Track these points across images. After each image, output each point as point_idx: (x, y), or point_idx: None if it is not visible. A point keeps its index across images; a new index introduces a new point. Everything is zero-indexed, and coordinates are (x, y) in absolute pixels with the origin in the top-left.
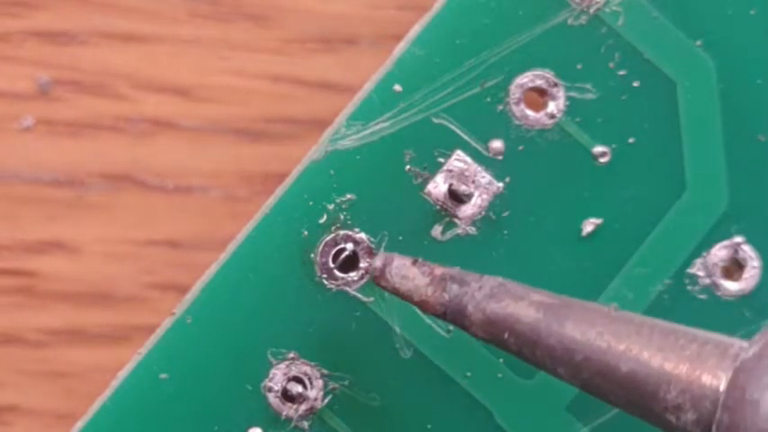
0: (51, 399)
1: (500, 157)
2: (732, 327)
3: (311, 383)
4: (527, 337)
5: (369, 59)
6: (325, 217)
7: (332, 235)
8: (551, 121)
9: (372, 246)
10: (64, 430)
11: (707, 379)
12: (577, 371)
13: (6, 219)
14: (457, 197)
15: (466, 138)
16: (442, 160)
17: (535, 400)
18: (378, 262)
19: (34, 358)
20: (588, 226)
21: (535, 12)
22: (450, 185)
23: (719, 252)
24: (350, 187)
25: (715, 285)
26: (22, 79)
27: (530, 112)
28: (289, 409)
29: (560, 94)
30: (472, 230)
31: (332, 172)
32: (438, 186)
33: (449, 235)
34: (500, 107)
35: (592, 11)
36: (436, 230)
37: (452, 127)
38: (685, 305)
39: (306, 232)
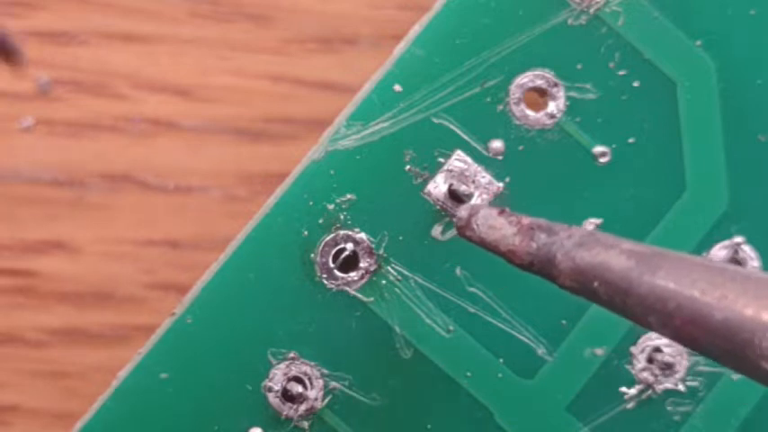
0: (51, 399)
1: (500, 157)
2: None
3: (311, 383)
4: (618, 286)
5: (369, 59)
6: (325, 217)
7: (332, 235)
8: (551, 121)
9: (372, 246)
10: (64, 430)
11: None
12: (669, 319)
13: (6, 219)
14: (457, 197)
15: (466, 138)
16: (442, 160)
17: (535, 400)
18: (463, 212)
19: (34, 358)
20: (588, 226)
21: (535, 12)
22: (451, 185)
23: (719, 252)
24: (350, 187)
25: None
26: (22, 79)
27: (530, 112)
28: (289, 409)
29: (560, 94)
30: None
31: (332, 172)
32: (438, 186)
33: (449, 235)
34: (500, 107)
35: (592, 11)
36: (436, 230)
37: (452, 127)
38: None
39: (306, 232)
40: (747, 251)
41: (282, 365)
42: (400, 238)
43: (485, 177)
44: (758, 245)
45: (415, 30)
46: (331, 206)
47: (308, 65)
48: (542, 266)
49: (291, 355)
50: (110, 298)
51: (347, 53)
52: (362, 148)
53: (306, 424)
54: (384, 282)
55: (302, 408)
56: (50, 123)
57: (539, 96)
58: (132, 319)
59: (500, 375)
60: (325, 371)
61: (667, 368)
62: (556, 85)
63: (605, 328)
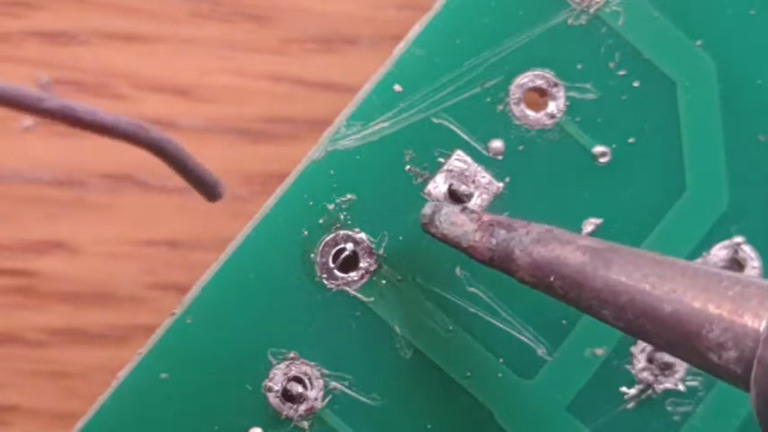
0: (51, 399)
1: (500, 157)
2: None
3: (311, 383)
4: (573, 280)
5: (369, 59)
6: (325, 217)
7: (332, 235)
8: (551, 121)
9: (372, 246)
10: (64, 430)
11: (749, 318)
12: (622, 312)
13: (6, 219)
14: (457, 197)
15: (466, 138)
16: (442, 160)
17: (535, 400)
18: (427, 209)
19: (34, 358)
20: (588, 226)
21: (535, 12)
22: (451, 185)
23: (719, 252)
24: (350, 187)
25: None
26: (22, 79)
27: (530, 112)
28: (289, 409)
29: (560, 94)
30: None
31: (332, 172)
32: (438, 186)
33: None
34: (500, 107)
35: (592, 11)
36: None
37: (452, 127)
38: None
39: (306, 232)
40: (747, 251)
41: (282, 365)
42: (400, 237)
43: (485, 177)
44: (758, 245)
45: (416, 30)
46: (331, 206)
47: (308, 65)
48: (501, 261)
49: (291, 355)
50: (110, 298)
51: (347, 53)
52: (362, 148)
53: (306, 424)
54: (384, 282)
55: (302, 408)
56: (50, 123)
57: (539, 96)
58: (132, 319)
59: (500, 375)
60: (326, 371)
61: (667, 368)
62: (556, 85)
63: (605, 328)
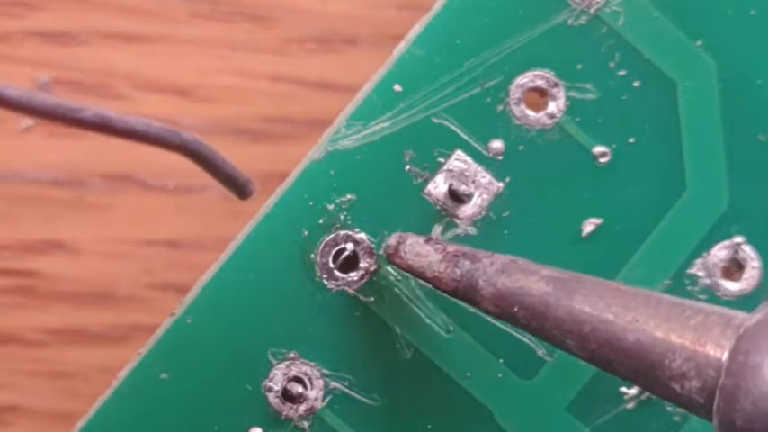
0: (51, 399)
1: (500, 158)
2: None
3: (311, 383)
4: (537, 310)
5: (369, 59)
6: (325, 217)
7: (332, 235)
8: (551, 122)
9: (372, 246)
10: (64, 430)
11: (711, 347)
12: (585, 342)
13: (6, 219)
14: (457, 197)
15: (466, 138)
16: (442, 160)
17: (535, 401)
18: (392, 240)
19: (34, 358)
20: (588, 226)
21: (535, 12)
22: (451, 185)
23: (720, 252)
24: (350, 187)
25: (715, 286)
26: (22, 79)
27: (530, 113)
28: (289, 409)
29: (560, 94)
30: (472, 230)
31: (332, 172)
32: (438, 186)
33: (449, 235)
34: (500, 107)
35: (592, 11)
36: (436, 231)
37: (452, 127)
38: None
39: (306, 232)
40: (747, 251)
41: (282, 365)
42: None
43: (485, 177)
44: (758, 245)
45: (416, 30)
46: (331, 206)
47: (308, 65)
48: (466, 292)
49: (291, 355)
50: (110, 298)
51: (347, 53)
52: (362, 149)
53: (306, 424)
54: (384, 282)
55: (302, 408)
56: (50, 123)
57: (539, 96)
58: (132, 319)
59: (500, 375)
60: (326, 371)
61: None
62: (556, 85)
63: None
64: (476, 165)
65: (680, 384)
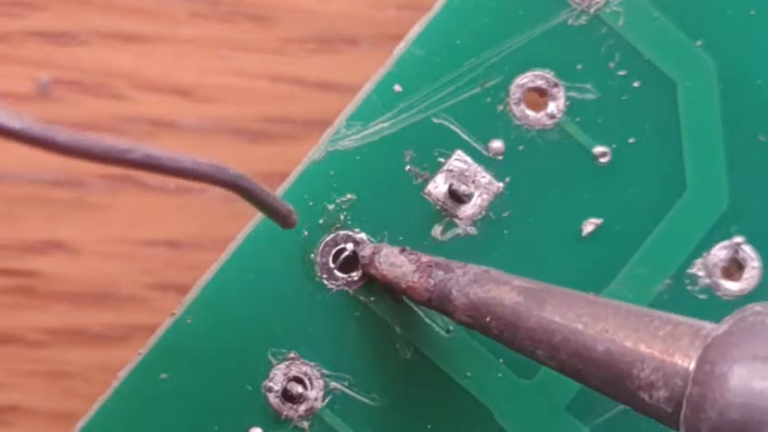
0: (51, 399)
1: (500, 158)
2: None
3: (311, 383)
4: (508, 320)
5: (369, 60)
6: (325, 217)
7: (332, 235)
8: (551, 122)
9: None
10: (64, 430)
11: (679, 357)
12: (555, 351)
13: (6, 219)
14: (457, 197)
15: (466, 138)
16: (442, 160)
17: (535, 400)
18: (367, 251)
19: (34, 358)
20: (588, 226)
21: (535, 12)
22: (451, 185)
23: (719, 252)
24: (350, 187)
25: (715, 285)
26: (22, 79)
27: (530, 113)
28: (289, 410)
29: (560, 94)
30: (472, 230)
31: (332, 172)
32: (438, 186)
33: (449, 235)
34: (500, 107)
35: (592, 11)
36: (436, 230)
37: (452, 127)
38: (685, 305)
39: (306, 232)
40: (747, 251)
41: (282, 365)
42: (400, 238)
43: (485, 177)
44: (758, 245)
45: (416, 30)
46: (331, 206)
47: (308, 65)
48: (439, 302)
49: (291, 355)
50: (110, 298)
51: (347, 53)
52: (362, 149)
53: (306, 424)
54: None
55: (302, 408)
56: (50, 123)
57: (539, 96)
58: (132, 319)
59: (500, 375)
60: (326, 371)
61: None
62: (556, 85)
63: None
64: (476, 165)
65: (648, 394)
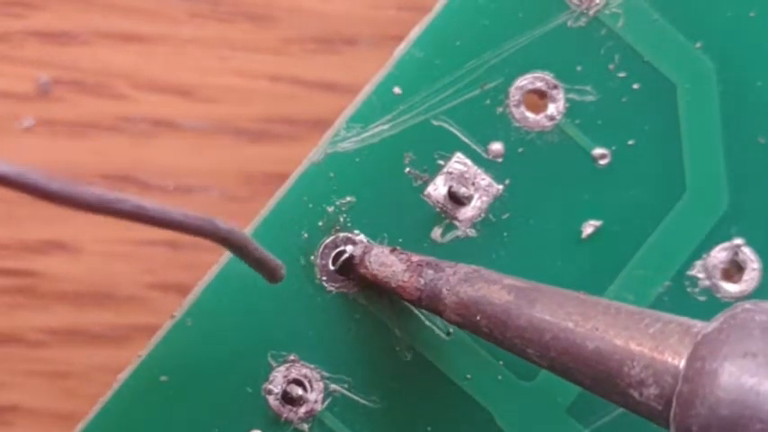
0: (51, 399)
1: (500, 160)
2: None
3: (311, 386)
4: (498, 319)
5: (369, 60)
6: (324, 219)
7: (332, 237)
8: (551, 123)
9: None
10: (64, 430)
11: (669, 354)
12: (546, 350)
13: (6, 219)
14: (457, 199)
15: (466, 140)
16: (441, 162)
17: (536, 402)
18: (357, 250)
19: (34, 358)
20: (588, 228)
21: (535, 14)
22: (450, 188)
23: (719, 254)
24: (349, 189)
25: (715, 287)
26: (22, 79)
27: (529, 115)
28: (289, 412)
29: (560, 96)
30: (472, 233)
31: (331, 174)
32: (438, 188)
33: (449, 237)
34: (500, 109)
35: (591, 13)
36: (436, 233)
37: (452, 129)
38: (685, 307)
39: (305, 234)
40: (747, 253)
41: (282, 368)
42: (400, 240)
43: (484, 179)
44: (758, 247)
45: (416, 31)
46: (331, 208)
47: (308, 65)
48: (430, 301)
49: (291, 357)
50: (110, 298)
51: (347, 54)
52: (362, 151)
53: (306, 426)
54: None
55: (302, 410)
56: (50, 123)
57: (538, 98)
58: (132, 319)
59: (500, 378)
60: (326, 373)
61: None
62: (555, 87)
63: None
64: (475, 167)
65: (638, 392)
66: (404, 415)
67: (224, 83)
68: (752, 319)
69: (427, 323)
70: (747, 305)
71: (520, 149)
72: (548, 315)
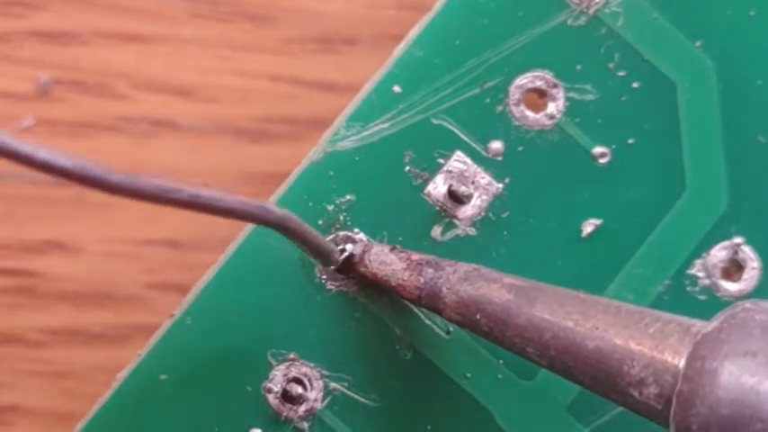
0: (51, 399)
1: (500, 158)
2: None
3: (311, 384)
4: (498, 318)
5: (369, 60)
6: (324, 218)
7: (332, 236)
8: (551, 122)
9: None
10: (64, 430)
11: (669, 354)
12: (545, 349)
13: (6, 219)
14: (456, 198)
15: (465, 139)
16: (441, 161)
17: (536, 401)
18: (357, 249)
19: (34, 358)
20: (588, 227)
21: (535, 13)
22: (450, 186)
23: (719, 253)
24: (349, 188)
25: (715, 286)
26: (22, 79)
27: (529, 113)
28: (288, 411)
29: (560, 94)
30: (472, 231)
31: (331, 173)
32: (438, 187)
33: (448, 236)
34: (500, 108)
35: (591, 12)
36: (436, 231)
37: (452, 128)
38: (685, 306)
39: None
40: (747, 252)
41: (282, 366)
42: (400, 238)
43: (484, 178)
44: (758, 245)
45: (415, 30)
46: (330, 207)
47: (308, 65)
48: (429, 300)
49: (291, 356)
50: (110, 298)
51: (347, 53)
52: (362, 149)
53: (306, 425)
54: None
55: (302, 409)
56: (50, 123)
57: (538, 97)
58: (132, 319)
59: (500, 376)
60: (325, 372)
61: None
62: (555, 85)
63: None
64: (475, 165)
65: (638, 391)
66: (403, 414)
67: (224, 83)
68: (752, 319)
69: (427, 322)
70: (747, 304)
71: (520, 148)
72: (548, 314)
